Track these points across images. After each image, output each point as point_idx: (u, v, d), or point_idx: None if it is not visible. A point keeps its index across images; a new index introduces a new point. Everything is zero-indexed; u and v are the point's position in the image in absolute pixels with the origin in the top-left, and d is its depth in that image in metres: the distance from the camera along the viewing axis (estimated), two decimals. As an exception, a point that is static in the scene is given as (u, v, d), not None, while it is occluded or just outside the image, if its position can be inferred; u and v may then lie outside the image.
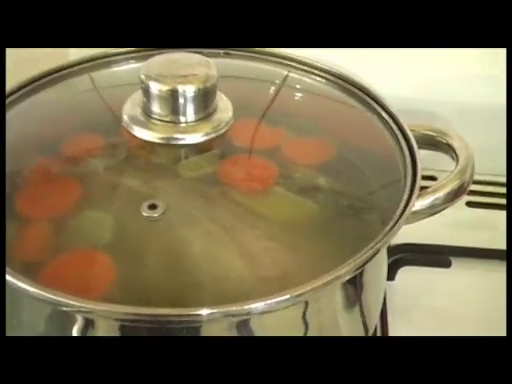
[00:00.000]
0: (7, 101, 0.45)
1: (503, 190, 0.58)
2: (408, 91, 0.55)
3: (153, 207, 0.36)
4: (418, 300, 0.49)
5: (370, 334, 0.41)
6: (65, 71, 0.47)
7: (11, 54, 0.44)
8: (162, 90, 0.39)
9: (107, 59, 0.48)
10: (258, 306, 0.31)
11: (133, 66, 0.48)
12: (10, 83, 0.46)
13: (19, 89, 0.46)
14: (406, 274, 0.49)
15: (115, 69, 0.49)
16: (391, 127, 0.43)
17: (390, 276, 0.48)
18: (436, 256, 0.51)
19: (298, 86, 0.48)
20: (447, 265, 0.50)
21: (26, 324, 0.38)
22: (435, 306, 0.48)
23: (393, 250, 0.49)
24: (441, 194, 0.39)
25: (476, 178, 0.41)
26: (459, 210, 0.42)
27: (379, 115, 0.44)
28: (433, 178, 0.55)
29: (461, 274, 0.50)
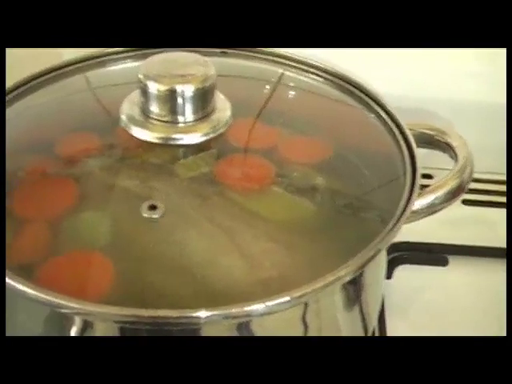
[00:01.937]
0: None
1: (499, 187, 0.58)
2: (404, 89, 0.55)
3: (152, 208, 0.36)
4: (415, 298, 0.49)
5: (370, 333, 0.41)
6: (60, 71, 0.47)
7: (7, 53, 0.44)
8: (161, 90, 0.39)
9: (102, 58, 0.48)
10: (257, 307, 0.31)
11: (128, 65, 0.48)
12: (5, 83, 0.45)
13: (14, 89, 0.45)
14: (402, 272, 0.49)
15: (111, 68, 0.48)
16: (389, 126, 0.43)
17: (388, 275, 0.48)
18: (433, 254, 0.51)
19: (295, 85, 0.48)
20: (444, 263, 0.50)
21: (22, 326, 0.38)
22: (432, 304, 0.48)
23: (390, 249, 0.49)
24: (440, 193, 0.39)
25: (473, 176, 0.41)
26: (455, 208, 0.42)
27: (377, 114, 0.44)
28: (429, 176, 0.55)
29: (457, 272, 0.50)
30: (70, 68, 0.47)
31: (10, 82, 0.45)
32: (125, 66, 0.48)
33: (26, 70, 0.46)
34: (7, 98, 0.45)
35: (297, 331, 0.36)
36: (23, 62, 0.47)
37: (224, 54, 0.48)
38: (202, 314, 0.31)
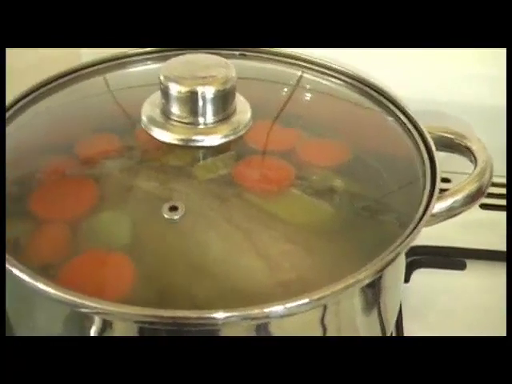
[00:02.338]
0: (22, 102, 0.45)
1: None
2: (421, 92, 0.55)
3: (173, 209, 0.36)
4: (433, 302, 0.49)
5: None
6: (80, 72, 0.47)
7: (26, 55, 0.44)
8: (182, 92, 0.39)
9: (122, 60, 0.48)
10: (277, 309, 0.31)
11: (148, 67, 0.48)
12: (25, 85, 0.45)
13: (34, 90, 0.45)
14: (420, 276, 0.49)
15: (130, 70, 0.48)
16: (409, 129, 0.43)
17: (405, 278, 0.47)
18: (450, 258, 0.51)
19: (314, 88, 0.48)
20: (462, 267, 0.50)
21: (41, 326, 0.38)
22: (449, 308, 0.48)
23: (407, 252, 0.49)
24: (459, 196, 0.39)
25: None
26: (473, 212, 0.41)
27: (396, 117, 0.44)
28: (446, 180, 0.55)
29: (475, 276, 0.50)
30: (90, 69, 0.48)
31: (29, 84, 0.46)
32: (144, 67, 0.48)
33: (46, 71, 0.47)
34: (27, 99, 0.45)
35: (315, 333, 0.36)
36: (43, 63, 0.48)
37: (243, 57, 0.48)
38: (221, 314, 0.31)
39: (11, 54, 0.44)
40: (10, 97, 0.44)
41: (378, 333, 0.40)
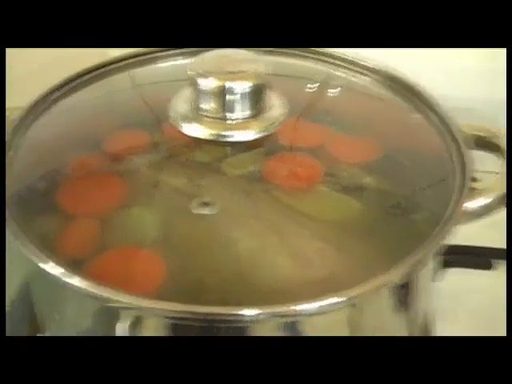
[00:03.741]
0: (50, 98, 0.45)
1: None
2: (453, 89, 0.54)
3: (203, 205, 0.36)
4: (461, 302, 0.48)
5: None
6: (107, 68, 0.47)
7: (54, 50, 0.44)
8: (213, 87, 0.38)
9: (149, 56, 0.48)
10: (308, 307, 0.31)
11: (176, 62, 0.48)
12: (53, 81, 0.46)
13: (62, 86, 0.46)
14: (448, 275, 0.49)
15: (157, 65, 0.48)
16: (439, 127, 0.42)
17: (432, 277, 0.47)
18: (477, 258, 0.50)
19: (343, 85, 0.48)
20: (489, 267, 0.49)
21: (69, 320, 0.38)
22: (478, 307, 0.48)
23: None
24: (492, 195, 0.38)
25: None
26: (502, 212, 0.41)
27: (427, 114, 0.44)
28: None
29: (502, 276, 0.50)
30: (118, 65, 0.48)
31: (57, 79, 0.46)
32: (172, 63, 0.48)
33: (73, 67, 0.47)
34: (55, 95, 0.45)
35: (343, 332, 0.35)
36: (69, 59, 0.48)
37: (271, 53, 0.48)
38: (253, 311, 0.31)
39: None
40: (37, 93, 0.44)
41: (407, 332, 0.39)
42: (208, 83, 0.39)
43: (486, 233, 0.51)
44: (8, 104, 0.43)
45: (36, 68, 0.54)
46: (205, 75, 0.39)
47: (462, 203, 0.37)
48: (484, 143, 0.42)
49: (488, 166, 0.43)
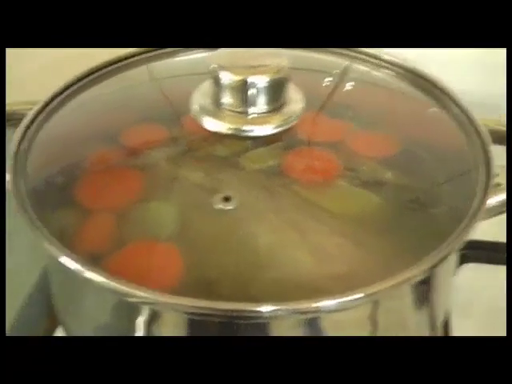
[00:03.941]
0: (69, 91, 0.45)
1: None
2: (474, 83, 0.53)
3: (224, 200, 0.36)
4: (478, 297, 0.48)
5: (436, 333, 0.40)
6: (126, 61, 0.47)
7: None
8: (234, 80, 0.38)
9: (168, 49, 0.48)
10: (329, 303, 0.31)
11: (195, 56, 0.47)
12: (68, 75, 0.45)
13: (80, 79, 0.45)
14: (465, 270, 0.48)
15: (176, 59, 0.48)
16: (461, 121, 0.42)
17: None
18: (494, 253, 0.50)
19: (363, 79, 0.47)
20: (504, 262, 0.49)
21: (86, 314, 0.38)
22: (495, 303, 0.47)
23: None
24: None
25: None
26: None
27: (448, 108, 0.43)
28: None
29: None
30: (136, 58, 0.47)
31: (74, 72, 0.46)
32: (190, 57, 0.48)
33: (91, 60, 0.47)
34: (72, 89, 0.45)
35: (363, 329, 0.35)
36: (86, 53, 0.47)
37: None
38: (272, 308, 0.30)
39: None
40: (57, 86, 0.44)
41: (426, 328, 0.39)
42: (230, 77, 0.38)
43: (503, 228, 0.50)
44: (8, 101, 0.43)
45: (36, 68, 0.54)
46: (227, 69, 0.38)
47: (487, 199, 0.36)
48: (500, 138, 0.41)
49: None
